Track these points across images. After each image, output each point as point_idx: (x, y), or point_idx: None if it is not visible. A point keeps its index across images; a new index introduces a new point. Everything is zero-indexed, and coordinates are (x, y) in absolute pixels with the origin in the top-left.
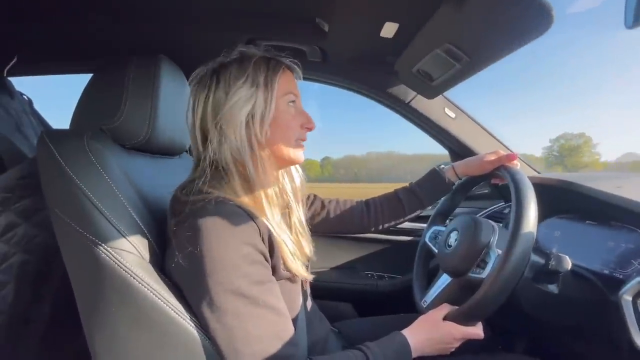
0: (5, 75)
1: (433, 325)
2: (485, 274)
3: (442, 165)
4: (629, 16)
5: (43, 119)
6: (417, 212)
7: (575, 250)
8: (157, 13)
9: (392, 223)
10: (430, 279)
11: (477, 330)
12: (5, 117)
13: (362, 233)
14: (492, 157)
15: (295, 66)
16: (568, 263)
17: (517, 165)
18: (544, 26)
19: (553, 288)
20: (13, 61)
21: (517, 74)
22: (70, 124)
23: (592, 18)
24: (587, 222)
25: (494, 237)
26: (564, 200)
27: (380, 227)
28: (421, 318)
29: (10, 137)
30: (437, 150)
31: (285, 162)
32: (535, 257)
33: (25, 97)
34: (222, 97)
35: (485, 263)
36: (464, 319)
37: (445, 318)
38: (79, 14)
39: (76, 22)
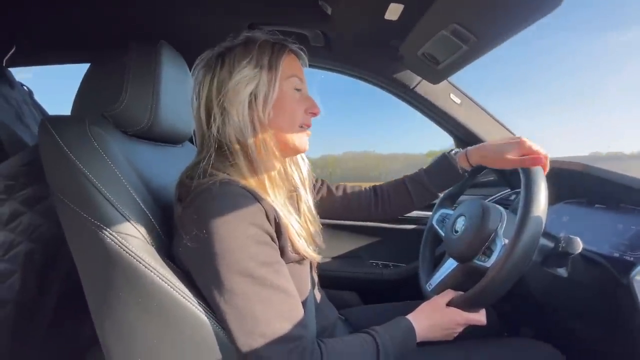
0: (4, 65)
1: (436, 311)
2: (490, 262)
3: (454, 151)
4: None
5: (44, 109)
6: (427, 202)
7: (585, 235)
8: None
9: (400, 212)
10: (436, 262)
11: (479, 317)
12: (5, 107)
13: (369, 221)
14: (515, 155)
15: (301, 52)
16: (579, 244)
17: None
18: (553, 3)
19: (562, 272)
20: (12, 51)
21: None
22: (71, 111)
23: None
24: (596, 206)
25: (502, 224)
26: (572, 185)
27: (388, 216)
28: (425, 304)
29: (11, 126)
30: (413, 150)
31: (288, 148)
32: (544, 241)
33: (25, 87)
34: (226, 76)
35: (491, 251)
36: (467, 305)
37: (449, 304)
38: (78, 3)
39: (75, 11)
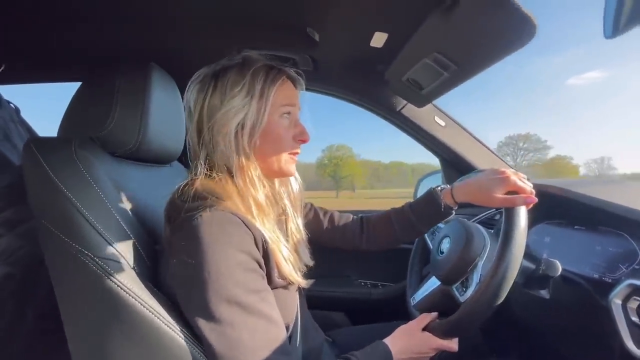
0: None
1: (411, 335)
2: (464, 297)
3: (440, 187)
4: (607, 26)
5: (31, 127)
6: (413, 238)
7: (565, 255)
8: (147, 21)
9: (386, 246)
10: (425, 275)
11: (451, 344)
12: None
13: (354, 251)
14: (501, 192)
15: (299, 77)
16: (558, 268)
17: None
18: (527, 37)
19: (544, 293)
20: (0, 69)
21: None
22: (58, 132)
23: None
24: (576, 227)
25: (484, 252)
26: (553, 207)
27: (373, 249)
28: (401, 328)
29: None
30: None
31: (275, 174)
32: (526, 263)
33: (12, 105)
34: (217, 103)
35: (467, 284)
36: (441, 333)
37: (425, 328)
38: (68, 22)
39: (65, 30)
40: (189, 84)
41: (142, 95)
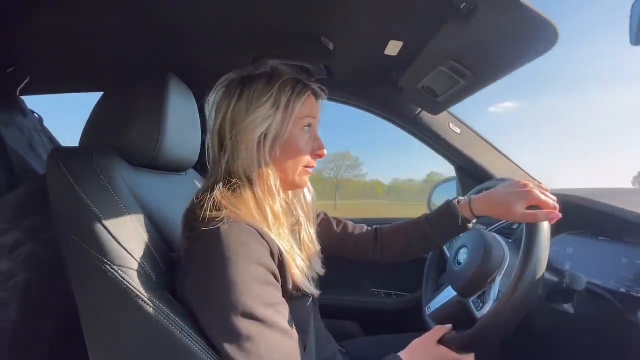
0: (18, 94)
1: (427, 349)
2: (481, 313)
3: (457, 199)
4: (633, 34)
5: (53, 136)
6: (429, 251)
7: (589, 268)
8: (165, 33)
9: (400, 259)
10: (441, 284)
11: (469, 358)
12: (19, 136)
13: (367, 262)
14: (522, 206)
15: (322, 92)
16: (583, 282)
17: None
18: (548, 43)
19: (568, 307)
20: (26, 81)
21: None
22: (80, 141)
23: None
24: (600, 238)
25: (502, 266)
26: (575, 217)
27: (386, 261)
28: (416, 341)
29: (24, 155)
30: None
31: (289, 186)
32: (548, 275)
33: (36, 115)
34: (243, 111)
35: (485, 300)
36: (457, 347)
37: (440, 341)
38: (91, 35)
39: (87, 43)
40: (214, 87)
41: (160, 105)
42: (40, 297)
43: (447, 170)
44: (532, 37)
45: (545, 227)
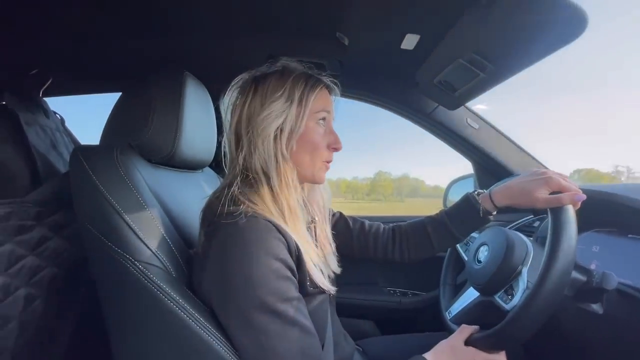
0: (40, 95)
1: (455, 350)
2: (510, 305)
3: (477, 192)
4: None
5: (74, 136)
6: (449, 246)
7: (618, 267)
8: (180, 31)
9: (419, 256)
10: (458, 287)
11: (500, 358)
12: (42, 136)
13: (385, 262)
14: (544, 192)
15: (335, 86)
16: (615, 280)
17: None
18: (577, 30)
19: (597, 308)
20: (48, 82)
21: None
22: (101, 140)
23: None
24: (630, 235)
25: (527, 259)
26: (602, 213)
27: (405, 260)
28: (442, 342)
29: (47, 155)
30: None
31: (306, 180)
32: (575, 274)
33: (58, 115)
34: (258, 107)
35: (513, 292)
36: (487, 346)
37: (467, 341)
38: (107, 36)
39: (107, 44)
40: (229, 88)
41: (177, 103)
42: (64, 291)
43: (394, 169)
44: (559, 24)
45: (571, 211)
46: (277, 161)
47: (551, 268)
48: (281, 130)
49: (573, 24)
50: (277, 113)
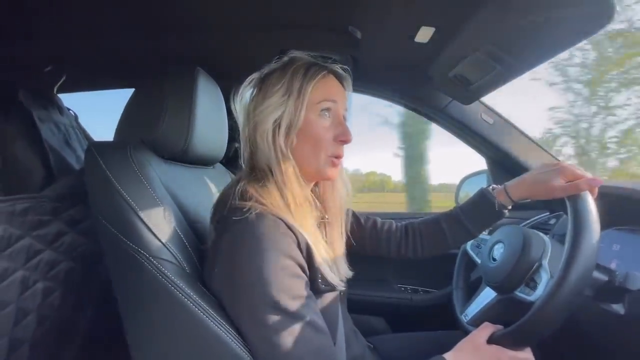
0: (55, 92)
1: (477, 349)
2: (535, 296)
3: (492, 186)
4: None
5: (87, 132)
6: (463, 242)
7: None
8: (192, 27)
9: (433, 253)
10: (471, 290)
11: (526, 356)
12: (56, 132)
13: (398, 259)
14: (560, 182)
15: (343, 72)
16: (639, 281)
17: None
18: (604, 18)
19: (618, 308)
20: (62, 79)
21: None
22: (114, 136)
23: None
24: None
25: (546, 253)
26: (623, 210)
27: (419, 257)
28: (464, 341)
29: (60, 151)
30: None
31: (312, 176)
32: (595, 273)
33: (71, 112)
34: (260, 101)
35: (536, 283)
36: (511, 342)
37: (489, 339)
38: (124, 34)
39: (120, 41)
40: (240, 89)
41: (189, 99)
42: (80, 285)
43: (364, 166)
44: (585, 13)
45: (590, 199)
46: (277, 156)
47: (577, 254)
48: (279, 125)
49: (600, 13)
50: (275, 106)
